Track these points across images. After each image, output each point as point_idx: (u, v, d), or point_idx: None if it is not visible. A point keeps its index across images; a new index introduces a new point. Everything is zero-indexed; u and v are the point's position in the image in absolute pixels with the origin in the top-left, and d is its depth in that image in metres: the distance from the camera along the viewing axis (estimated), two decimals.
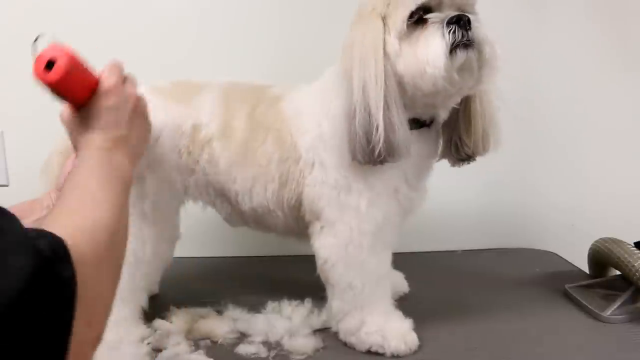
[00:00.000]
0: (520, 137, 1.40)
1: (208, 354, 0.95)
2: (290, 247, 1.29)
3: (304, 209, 0.98)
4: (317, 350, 0.97)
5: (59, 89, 0.71)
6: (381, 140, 0.86)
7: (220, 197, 1.03)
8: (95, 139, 0.73)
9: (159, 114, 0.97)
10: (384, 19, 0.88)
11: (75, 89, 0.74)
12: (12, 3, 1.34)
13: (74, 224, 0.57)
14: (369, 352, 0.97)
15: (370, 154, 0.87)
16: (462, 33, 0.83)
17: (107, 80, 0.76)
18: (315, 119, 0.96)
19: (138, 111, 0.81)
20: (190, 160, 0.99)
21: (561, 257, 1.43)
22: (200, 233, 1.35)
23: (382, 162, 0.89)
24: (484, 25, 0.86)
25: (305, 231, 1.01)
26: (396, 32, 0.87)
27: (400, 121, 0.88)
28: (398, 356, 0.95)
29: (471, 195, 1.46)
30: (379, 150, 0.86)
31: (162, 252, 1.01)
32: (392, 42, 0.87)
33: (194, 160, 0.99)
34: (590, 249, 1.27)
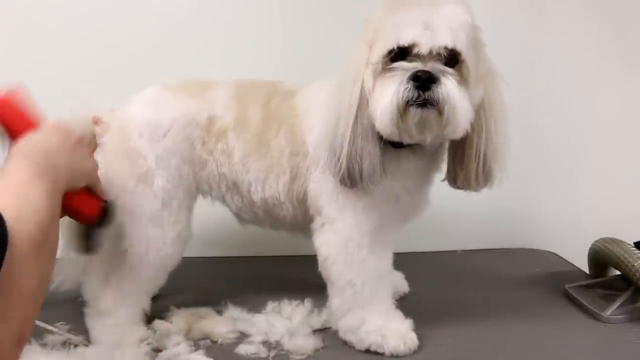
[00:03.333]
0: (520, 137, 1.39)
1: (208, 354, 0.95)
2: (290, 247, 1.29)
3: (309, 203, 0.99)
4: (317, 350, 0.97)
5: None
6: (343, 169, 0.87)
7: (231, 189, 1.03)
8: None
9: (170, 107, 0.99)
10: (370, 48, 0.87)
11: (11, 125, 0.78)
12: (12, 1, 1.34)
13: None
14: (368, 351, 0.97)
15: (336, 177, 0.89)
16: (419, 93, 0.81)
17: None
18: (322, 117, 0.96)
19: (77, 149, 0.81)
20: (204, 151, 1.00)
21: (561, 257, 1.43)
22: (200, 233, 1.34)
23: (351, 186, 0.90)
24: (452, 83, 0.82)
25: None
26: (371, 69, 0.86)
27: (368, 153, 0.87)
28: (397, 356, 0.95)
29: (471, 195, 1.45)
30: (342, 178, 0.88)
31: (169, 255, 0.99)
32: (367, 78, 0.87)
33: (208, 151, 1.00)
34: (590, 249, 1.27)
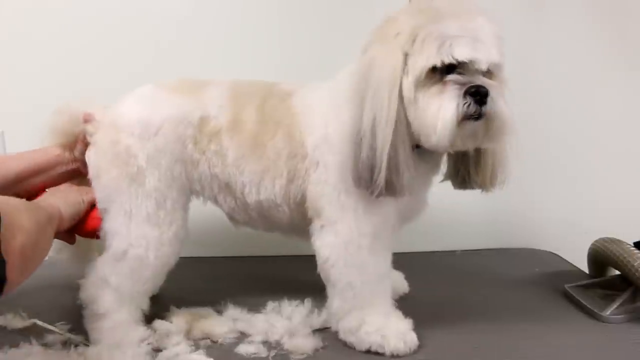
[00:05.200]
0: (520, 136, 1.39)
1: (208, 354, 0.95)
2: (290, 247, 1.29)
3: (307, 205, 0.99)
4: (317, 350, 0.97)
5: None
6: (382, 180, 0.86)
7: (224, 190, 1.02)
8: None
9: (162, 105, 0.98)
10: (405, 54, 0.86)
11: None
12: (13, 2, 1.34)
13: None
14: (368, 351, 0.97)
15: (369, 188, 0.88)
16: (476, 108, 0.83)
17: None
18: (323, 119, 0.96)
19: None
20: (196, 151, 0.99)
21: (561, 257, 1.43)
22: (200, 233, 1.34)
23: (387, 196, 0.90)
24: (501, 96, 0.86)
25: (309, 229, 1.01)
26: (414, 78, 0.85)
27: (406, 164, 0.87)
28: (397, 356, 0.95)
29: (471, 196, 1.45)
30: (380, 189, 0.87)
31: (167, 254, 0.99)
32: (409, 87, 0.86)
33: (200, 151, 0.99)
34: (590, 249, 1.27)
